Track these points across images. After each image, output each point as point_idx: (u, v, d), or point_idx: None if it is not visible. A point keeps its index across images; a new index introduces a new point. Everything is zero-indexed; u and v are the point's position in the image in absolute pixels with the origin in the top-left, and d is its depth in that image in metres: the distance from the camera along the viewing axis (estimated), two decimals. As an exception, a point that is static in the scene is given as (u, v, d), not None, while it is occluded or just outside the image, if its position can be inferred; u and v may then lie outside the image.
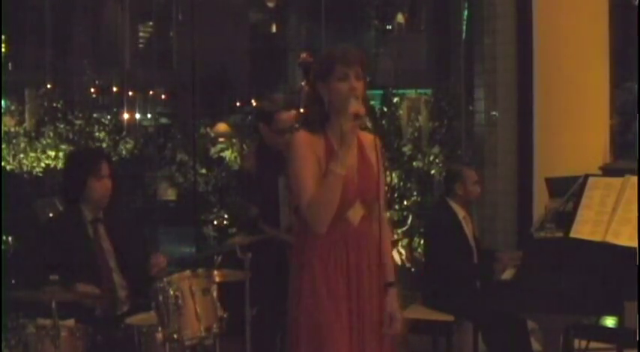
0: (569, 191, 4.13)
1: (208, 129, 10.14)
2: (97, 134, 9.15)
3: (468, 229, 5.05)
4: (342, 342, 2.94)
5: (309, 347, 2.94)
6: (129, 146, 9.29)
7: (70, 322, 3.56)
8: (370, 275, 3.03)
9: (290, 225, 4.12)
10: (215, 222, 8.21)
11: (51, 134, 8.98)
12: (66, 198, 4.18)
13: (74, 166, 4.11)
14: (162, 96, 13.30)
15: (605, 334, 5.23)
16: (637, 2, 6.27)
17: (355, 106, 2.88)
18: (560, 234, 3.86)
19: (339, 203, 2.91)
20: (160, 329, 3.58)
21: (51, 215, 5.11)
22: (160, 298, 3.59)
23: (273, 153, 4.45)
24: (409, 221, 7.30)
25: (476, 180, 5.06)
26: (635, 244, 3.55)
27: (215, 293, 3.73)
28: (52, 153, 8.81)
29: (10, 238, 6.68)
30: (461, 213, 5.03)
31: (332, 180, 2.87)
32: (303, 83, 4.45)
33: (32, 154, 8.85)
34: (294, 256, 3.06)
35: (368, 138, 3.09)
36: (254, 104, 11.89)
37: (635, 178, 3.77)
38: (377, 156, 3.06)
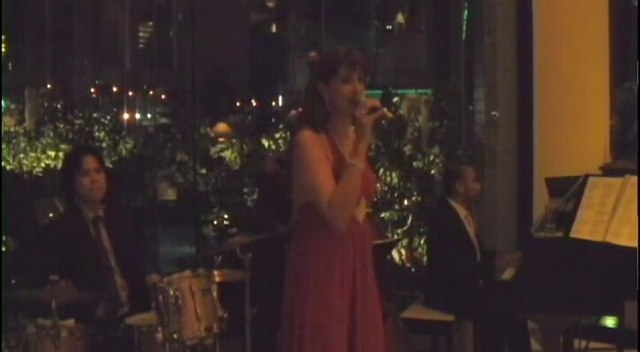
0: (569, 191, 4.13)
1: (208, 129, 10.15)
2: (97, 134, 9.14)
3: (470, 228, 5.04)
4: (345, 342, 2.94)
5: (314, 347, 2.93)
6: (129, 146, 9.28)
7: (70, 322, 3.56)
8: (371, 272, 3.04)
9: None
10: (215, 222, 8.21)
11: (51, 134, 8.99)
12: (65, 198, 4.19)
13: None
14: (163, 97, 13.28)
15: (605, 334, 5.24)
16: (637, 2, 6.26)
17: (371, 100, 2.88)
18: (560, 234, 3.86)
19: None
20: (160, 329, 3.58)
21: (51, 215, 5.11)
22: (160, 298, 3.59)
23: None
24: (409, 221, 7.30)
25: (475, 176, 5.07)
26: (635, 244, 3.54)
27: (215, 293, 3.73)
28: (52, 153, 8.80)
29: (10, 238, 6.67)
30: (462, 212, 5.02)
31: (354, 174, 2.85)
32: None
33: (32, 154, 8.85)
34: (296, 258, 3.02)
35: None
36: (254, 104, 11.90)
37: (635, 178, 3.76)
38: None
